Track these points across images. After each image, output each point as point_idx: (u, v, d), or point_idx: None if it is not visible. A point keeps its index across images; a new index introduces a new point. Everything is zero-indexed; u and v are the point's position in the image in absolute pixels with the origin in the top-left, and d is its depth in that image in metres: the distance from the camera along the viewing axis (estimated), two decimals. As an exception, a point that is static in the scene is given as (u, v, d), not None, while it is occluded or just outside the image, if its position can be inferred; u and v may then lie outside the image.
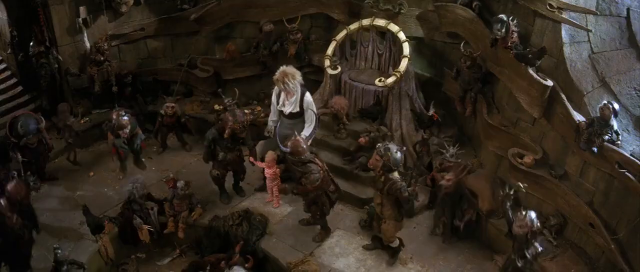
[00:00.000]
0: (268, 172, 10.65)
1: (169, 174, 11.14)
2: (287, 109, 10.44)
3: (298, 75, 10.20)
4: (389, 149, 8.77)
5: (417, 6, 12.08)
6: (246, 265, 9.35)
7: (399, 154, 8.81)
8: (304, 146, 9.32)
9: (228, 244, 10.04)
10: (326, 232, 10.23)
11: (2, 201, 8.79)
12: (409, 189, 8.90)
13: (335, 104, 11.35)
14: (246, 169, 11.24)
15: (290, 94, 10.27)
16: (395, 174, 8.90)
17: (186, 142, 12.72)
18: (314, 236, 10.20)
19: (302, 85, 10.37)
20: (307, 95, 10.40)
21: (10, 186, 8.92)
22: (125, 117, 10.71)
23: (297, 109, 10.37)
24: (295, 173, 9.58)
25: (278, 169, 10.64)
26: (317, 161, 9.50)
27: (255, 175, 11.63)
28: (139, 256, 10.53)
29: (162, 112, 12.12)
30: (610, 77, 8.94)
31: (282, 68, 10.22)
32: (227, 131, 10.31)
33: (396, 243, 9.66)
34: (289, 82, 10.03)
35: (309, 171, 9.32)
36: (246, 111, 10.95)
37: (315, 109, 10.54)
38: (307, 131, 10.39)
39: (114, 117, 10.72)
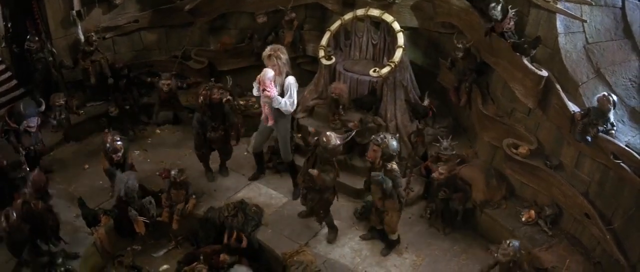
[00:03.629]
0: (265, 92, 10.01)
1: (164, 166, 11.10)
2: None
3: (286, 54, 10.04)
4: (384, 137, 8.79)
5: (412, -4, 12.06)
6: (242, 244, 9.63)
7: (395, 141, 8.82)
8: (341, 149, 9.29)
9: (223, 235, 10.04)
10: (334, 230, 10.19)
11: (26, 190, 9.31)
12: (402, 186, 8.98)
13: (335, 89, 11.28)
14: (232, 149, 11.35)
15: (278, 72, 9.96)
16: (394, 165, 8.92)
17: (181, 119, 12.86)
18: (328, 237, 10.18)
19: (289, 70, 10.17)
20: (290, 77, 10.08)
21: (33, 175, 9.55)
22: (119, 142, 10.61)
23: (280, 92, 10.08)
24: (317, 162, 9.39)
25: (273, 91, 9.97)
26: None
27: (249, 165, 11.68)
28: (135, 248, 10.51)
29: (160, 86, 12.26)
30: (605, 67, 8.95)
31: (272, 45, 10.14)
32: (200, 99, 10.46)
33: (396, 236, 9.70)
34: (281, 56, 9.86)
35: (328, 170, 9.27)
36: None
37: (295, 91, 10.13)
38: (282, 101, 9.99)
39: (108, 140, 10.63)
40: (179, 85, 12.71)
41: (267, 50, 9.98)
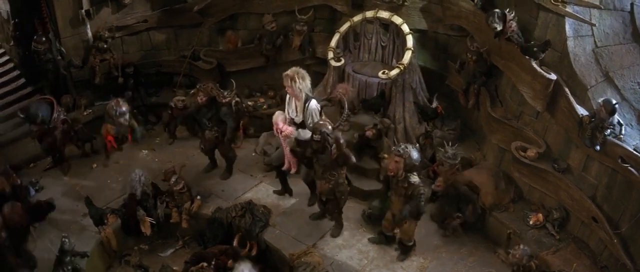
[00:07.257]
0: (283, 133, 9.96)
1: (172, 166, 11.07)
2: (292, 115, 9.92)
3: (308, 80, 9.61)
4: (406, 147, 8.70)
5: (421, -2, 12.06)
6: (252, 252, 9.58)
7: (415, 152, 8.75)
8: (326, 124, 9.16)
9: (231, 235, 10.05)
10: (341, 227, 10.21)
11: None
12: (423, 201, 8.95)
13: (339, 88, 11.21)
14: (233, 155, 11.43)
15: (295, 96, 9.68)
16: (416, 178, 8.85)
17: (197, 130, 12.70)
18: (331, 231, 10.20)
19: (309, 94, 9.78)
20: (313, 102, 9.70)
21: (6, 208, 8.96)
22: (124, 107, 10.78)
23: (301, 119, 9.84)
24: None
25: (288, 129, 9.90)
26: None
27: (257, 166, 11.71)
28: (142, 247, 10.54)
29: (172, 104, 12.05)
30: (613, 71, 8.93)
31: (296, 68, 9.70)
32: (199, 98, 10.63)
33: (412, 241, 9.67)
34: (297, 81, 9.45)
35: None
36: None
37: (316, 118, 9.72)
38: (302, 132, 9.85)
39: (113, 104, 10.71)
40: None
41: (289, 71, 9.61)
